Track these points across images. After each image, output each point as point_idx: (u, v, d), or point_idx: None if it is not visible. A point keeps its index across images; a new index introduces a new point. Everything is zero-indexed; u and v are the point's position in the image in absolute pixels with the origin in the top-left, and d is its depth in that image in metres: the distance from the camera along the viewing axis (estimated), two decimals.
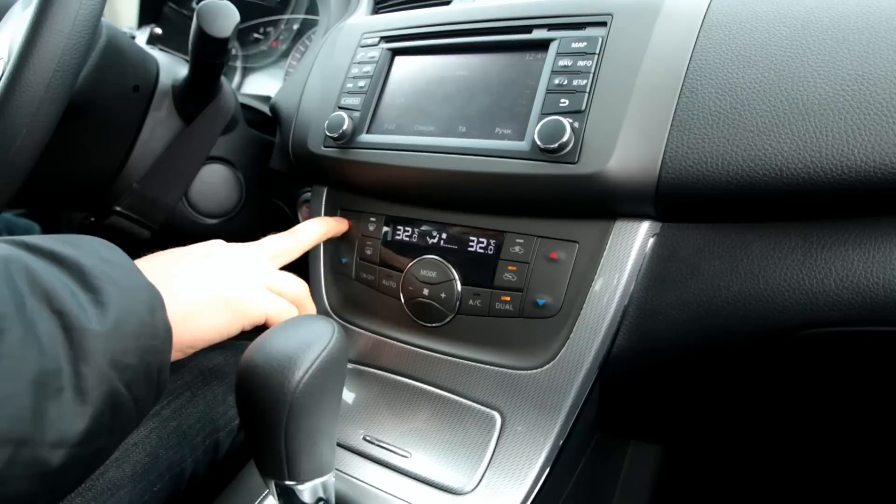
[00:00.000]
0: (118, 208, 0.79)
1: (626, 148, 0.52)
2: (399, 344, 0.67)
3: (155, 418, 0.59)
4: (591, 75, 0.54)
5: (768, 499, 0.93)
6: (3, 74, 0.53)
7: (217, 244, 0.57)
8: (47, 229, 1.19)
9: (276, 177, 0.88)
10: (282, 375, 0.40)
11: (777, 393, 0.66)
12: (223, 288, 0.51)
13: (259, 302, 0.54)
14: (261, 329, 0.55)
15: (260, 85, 1.12)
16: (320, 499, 0.46)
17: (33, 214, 1.21)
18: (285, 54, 1.09)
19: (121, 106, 0.75)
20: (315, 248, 0.76)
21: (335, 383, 0.44)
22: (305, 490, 0.44)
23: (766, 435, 0.88)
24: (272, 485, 0.44)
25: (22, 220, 0.98)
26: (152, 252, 0.54)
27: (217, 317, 0.50)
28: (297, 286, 0.59)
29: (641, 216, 0.55)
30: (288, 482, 0.43)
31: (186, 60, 0.81)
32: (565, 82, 0.55)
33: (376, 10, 0.90)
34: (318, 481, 0.44)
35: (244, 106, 0.92)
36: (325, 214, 0.75)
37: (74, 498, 0.53)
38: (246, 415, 0.42)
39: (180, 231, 0.86)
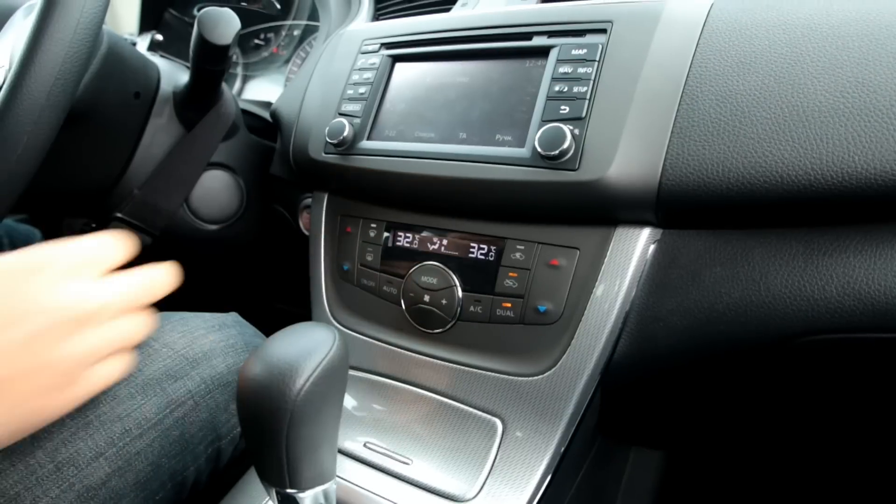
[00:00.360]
0: (119, 214, 0.79)
1: (627, 155, 0.52)
2: (400, 350, 0.67)
3: (157, 427, 0.58)
4: (592, 82, 0.55)
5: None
6: (4, 82, 0.53)
7: (24, 281, 0.40)
8: (48, 235, 1.19)
9: (276, 183, 0.88)
10: (283, 383, 0.40)
11: (778, 399, 0.66)
12: (34, 387, 0.38)
13: (84, 381, 0.42)
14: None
15: (261, 91, 1.12)
16: None
17: (34, 220, 1.21)
18: (286, 61, 1.09)
19: (122, 112, 0.75)
20: (316, 254, 0.76)
21: (336, 391, 0.44)
22: (307, 498, 0.44)
23: (768, 441, 0.87)
24: (273, 492, 0.44)
25: (23, 226, 0.98)
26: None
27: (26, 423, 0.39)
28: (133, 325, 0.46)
29: (642, 223, 0.55)
30: (289, 490, 0.43)
31: (187, 67, 0.81)
32: (566, 89, 0.56)
33: (377, 16, 0.90)
34: (319, 489, 0.44)
35: (245, 112, 0.92)
36: (326, 220, 0.75)
37: None
38: (247, 423, 0.42)
39: (181, 237, 0.86)
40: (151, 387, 0.59)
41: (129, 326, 0.45)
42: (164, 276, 0.49)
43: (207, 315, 0.71)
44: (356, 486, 0.57)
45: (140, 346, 0.61)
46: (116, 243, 0.46)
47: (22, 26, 0.65)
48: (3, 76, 0.62)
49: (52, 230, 1.20)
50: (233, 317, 0.74)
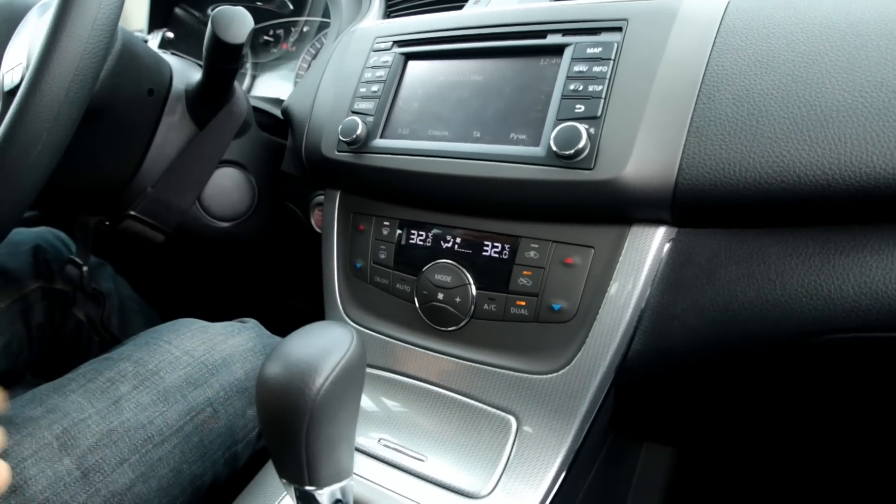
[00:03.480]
0: (132, 212, 0.80)
1: (643, 154, 0.52)
2: (414, 348, 0.68)
3: (178, 434, 0.60)
4: (607, 81, 0.54)
5: (781, 502, 0.93)
6: (23, 80, 0.54)
7: None
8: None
9: (288, 180, 0.88)
10: (302, 382, 0.40)
11: (791, 398, 0.66)
12: None
13: None
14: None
15: (270, 88, 1.12)
16: (338, 501, 0.46)
17: (46, 218, 1.21)
18: (296, 58, 1.09)
19: (135, 110, 0.75)
20: (328, 252, 0.76)
21: (354, 389, 0.44)
22: (325, 494, 0.44)
23: (780, 439, 0.87)
24: (292, 489, 0.45)
25: (52, 231, 0.98)
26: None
27: None
28: None
29: (657, 221, 0.55)
30: (308, 487, 0.43)
31: (199, 65, 0.81)
32: (581, 88, 0.56)
33: (388, 14, 0.90)
34: (337, 486, 0.45)
35: (255, 109, 0.92)
36: (339, 218, 0.76)
37: None
38: (266, 422, 0.43)
39: (193, 234, 0.86)
40: (172, 394, 0.61)
41: None
42: None
43: (227, 322, 0.73)
44: (371, 482, 0.58)
45: (162, 354, 0.64)
46: None
47: (38, 24, 0.65)
48: (22, 74, 0.63)
49: (65, 228, 1.20)
50: (251, 322, 0.76)
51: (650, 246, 0.55)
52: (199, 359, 0.65)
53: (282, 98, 0.92)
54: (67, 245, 0.95)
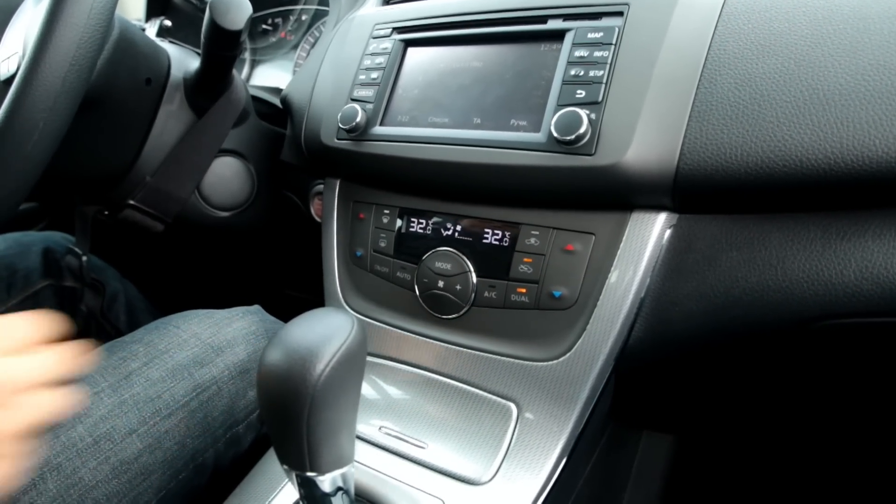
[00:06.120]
0: (132, 201, 0.80)
1: (644, 139, 0.51)
2: (414, 336, 0.68)
3: (184, 409, 0.62)
4: (608, 66, 0.54)
5: (780, 489, 0.93)
6: (19, 69, 0.53)
7: None
8: (60, 222, 1.20)
9: (287, 169, 0.88)
10: (303, 368, 0.40)
11: (792, 384, 0.66)
12: None
13: None
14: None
15: (269, 77, 1.11)
16: (339, 488, 0.46)
17: (45, 208, 1.21)
18: (294, 46, 1.08)
19: (133, 99, 0.75)
20: (328, 241, 0.76)
21: (355, 376, 0.44)
22: (326, 480, 0.44)
23: (780, 425, 0.88)
24: (293, 476, 0.45)
25: (57, 234, 0.97)
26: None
27: None
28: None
29: (658, 207, 0.55)
30: (309, 473, 0.44)
31: (197, 53, 0.81)
32: (581, 73, 0.55)
33: (387, 0, 0.90)
34: (338, 472, 0.45)
35: (254, 98, 0.92)
36: (338, 207, 0.75)
37: (111, 480, 0.56)
38: (268, 408, 0.43)
39: (193, 224, 0.86)
40: (180, 371, 0.63)
41: (37, 404, 0.39)
42: (74, 354, 0.43)
43: (233, 308, 0.75)
44: (373, 469, 0.58)
45: (171, 336, 0.67)
46: (25, 323, 0.41)
47: (34, 13, 0.65)
48: (18, 63, 0.62)
49: (64, 218, 1.20)
50: (255, 307, 0.77)
51: (651, 232, 0.55)
52: (206, 341, 0.67)
53: (281, 87, 0.92)
54: None
